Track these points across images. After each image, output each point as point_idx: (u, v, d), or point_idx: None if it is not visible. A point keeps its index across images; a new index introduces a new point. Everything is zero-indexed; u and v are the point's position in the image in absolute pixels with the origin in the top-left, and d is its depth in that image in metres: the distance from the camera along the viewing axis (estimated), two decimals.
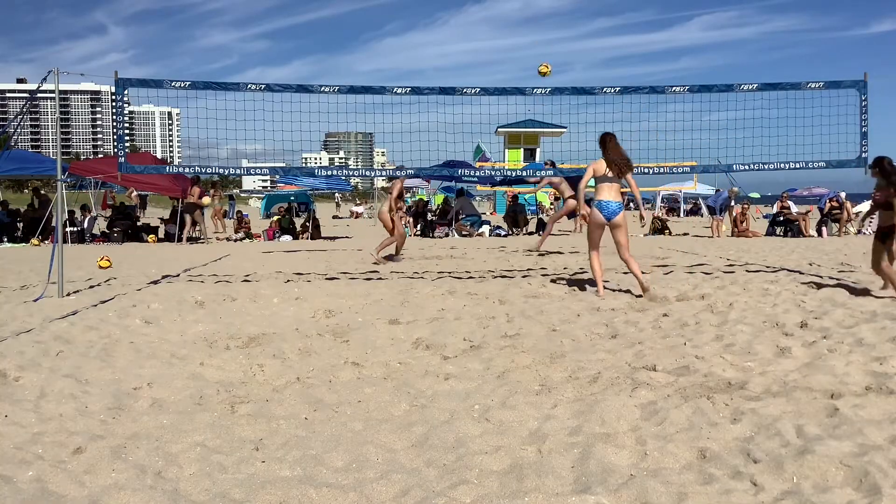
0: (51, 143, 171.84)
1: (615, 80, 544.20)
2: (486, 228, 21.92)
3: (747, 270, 10.27)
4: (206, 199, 19.76)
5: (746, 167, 9.69)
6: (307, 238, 20.52)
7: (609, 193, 8.05)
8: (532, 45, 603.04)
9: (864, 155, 9.51)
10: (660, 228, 22.08)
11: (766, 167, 9.58)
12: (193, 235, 19.36)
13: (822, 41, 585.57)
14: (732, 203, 21.24)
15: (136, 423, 3.80)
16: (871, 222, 21.39)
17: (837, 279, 8.99)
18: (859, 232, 20.47)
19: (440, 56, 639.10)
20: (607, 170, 7.98)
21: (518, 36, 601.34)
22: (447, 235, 21.28)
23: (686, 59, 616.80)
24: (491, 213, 37.72)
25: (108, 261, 11.93)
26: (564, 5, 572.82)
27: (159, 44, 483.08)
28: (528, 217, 24.35)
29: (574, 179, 21.74)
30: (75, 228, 19.02)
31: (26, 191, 21.70)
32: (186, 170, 10.80)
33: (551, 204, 40.12)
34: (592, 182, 8.15)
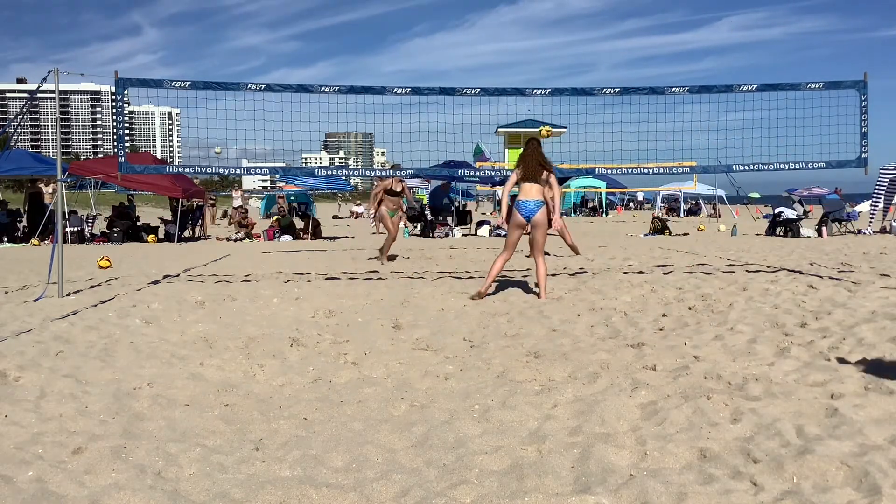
0: (51, 143, 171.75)
1: (638, 80, 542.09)
2: (486, 228, 21.93)
3: (747, 270, 10.27)
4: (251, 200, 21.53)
5: (746, 167, 9.69)
6: (307, 238, 20.52)
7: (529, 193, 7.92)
8: (561, 45, 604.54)
9: (864, 155, 9.50)
10: (660, 228, 22.08)
11: (766, 167, 9.58)
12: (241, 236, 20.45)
13: (848, 42, 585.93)
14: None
15: (136, 423, 3.80)
16: (871, 221, 21.40)
17: (837, 279, 8.99)
18: (859, 232, 20.46)
19: (467, 56, 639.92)
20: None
21: (548, 37, 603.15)
22: (447, 235, 21.27)
23: (709, 59, 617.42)
24: (491, 214, 37.72)
25: (108, 261, 11.93)
26: (597, 6, 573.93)
27: (189, 45, 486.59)
28: None
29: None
30: (75, 228, 19.02)
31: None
32: (186, 170, 10.80)
33: None
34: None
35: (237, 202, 31.17)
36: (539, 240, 7.93)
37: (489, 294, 8.07)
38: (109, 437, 3.55)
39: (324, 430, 3.70)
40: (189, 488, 2.99)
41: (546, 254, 13.44)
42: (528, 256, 12.61)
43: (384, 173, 16.01)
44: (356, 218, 42.94)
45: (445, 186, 23.50)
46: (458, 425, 3.70)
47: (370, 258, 13.26)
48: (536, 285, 8.09)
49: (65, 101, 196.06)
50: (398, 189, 12.51)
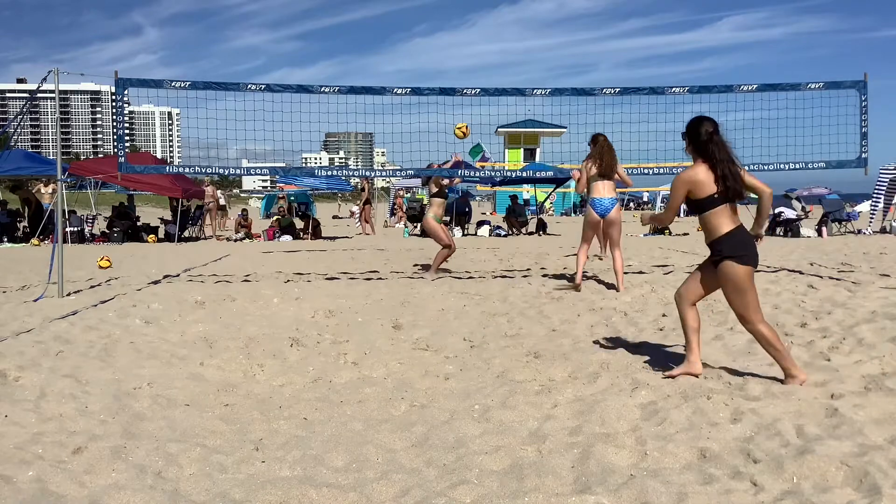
0: (51, 143, 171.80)
1: (638, 80, 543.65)
2: (486, 228, 21.93)
3: None
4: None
5: (746, 167, 9.66)
6: (307, 238, 20.51)
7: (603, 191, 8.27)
8: (562, 45, 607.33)
9: (864, 155, 9.50)
10: (660, 228, 22.06)
11: (766, 167, 9.57)
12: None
13: (848, 42, 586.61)
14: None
15: (136, 423, 3.80)
16: (871, 221, 21.40)
17: (837, 279, 8.98)
18: (859, 232, 20.45)
19: (467, 56, 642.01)
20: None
21: (548, 37, 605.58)
22: None
23: (709, 59, 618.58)
24: (491, 213, 37.75)
25: (108, 261, 11.93)
26: (597, 6, 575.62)
27: (189, 45, 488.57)
28: (529, 217, 24.36)
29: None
30: (75, 228, 19.02)
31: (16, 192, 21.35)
32: (186, 170, 10.80)
33: (551, 203, 40.14)
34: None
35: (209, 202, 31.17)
36: (615, 235, 8.37)
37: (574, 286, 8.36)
38: (109, 437, 3.55)
39: (324, 430, 3.70)
40: (189, 488, 2.99)
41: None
42: (594, 257, 11.62)
43: (384, 173, 16.01)
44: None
45: (465, 198, 24.94)
46: (458, 425, 3.70)
47: (417, 264, 11.77)
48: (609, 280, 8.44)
49: (65, 101, 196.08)
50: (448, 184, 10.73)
